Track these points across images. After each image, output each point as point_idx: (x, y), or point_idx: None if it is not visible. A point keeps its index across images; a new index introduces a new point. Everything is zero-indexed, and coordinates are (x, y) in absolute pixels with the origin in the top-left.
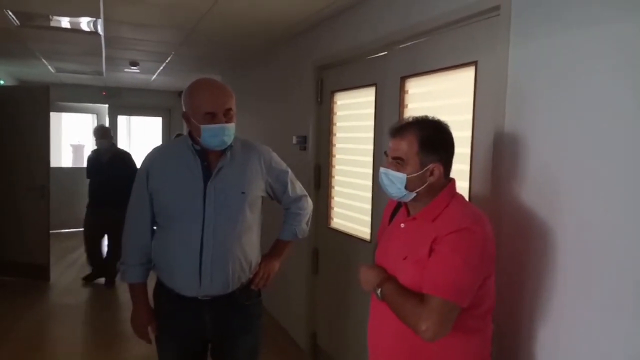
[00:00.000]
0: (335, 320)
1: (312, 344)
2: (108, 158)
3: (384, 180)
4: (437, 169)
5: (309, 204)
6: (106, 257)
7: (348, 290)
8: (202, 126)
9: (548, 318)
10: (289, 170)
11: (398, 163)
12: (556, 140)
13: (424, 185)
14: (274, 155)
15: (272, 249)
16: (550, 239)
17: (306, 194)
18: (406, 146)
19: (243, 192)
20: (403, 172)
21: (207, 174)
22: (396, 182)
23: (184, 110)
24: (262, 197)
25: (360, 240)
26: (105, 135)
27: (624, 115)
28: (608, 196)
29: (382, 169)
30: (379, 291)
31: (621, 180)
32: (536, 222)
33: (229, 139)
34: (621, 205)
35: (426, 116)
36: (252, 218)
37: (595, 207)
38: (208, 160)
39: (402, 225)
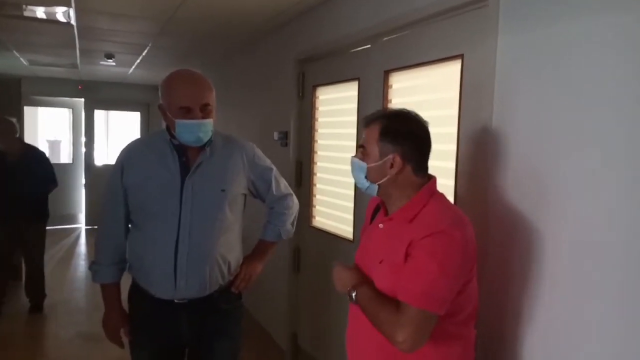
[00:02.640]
0: (316, 321)
1: (293, 344)
2: (16, 159)
3: (351, 167)
4: (397, 161)
5: (294, 203)
6: (25, 282)
7: (330, 290)
8: (177, 121)
9: (536, 321)
10: (274, 167)
11: (362, 152)
12: (547, 136)
13: (385, 178)
14: (258, 151)
15: (255, 250)
16: (539, 241)
17: (292, 192)
18: (369, 134)
19: (223, 190)
20: (365, 162)
21: (185, 170)
22: (358, 171)
23: (160, 102)
24: (245, 195)
25: (343, 239)
26: (6, 130)
27: (619, 110)
28: (600, 195)
29: (351, 157)
30: (353, 294)
31: (615, 179)
32: (524, 223)
33: (205, 136)
34: (615, 207)
35: (402, 109)
36: (233, 217)
37: (586, 207)
38: (187, 156)
39: (381, 225)
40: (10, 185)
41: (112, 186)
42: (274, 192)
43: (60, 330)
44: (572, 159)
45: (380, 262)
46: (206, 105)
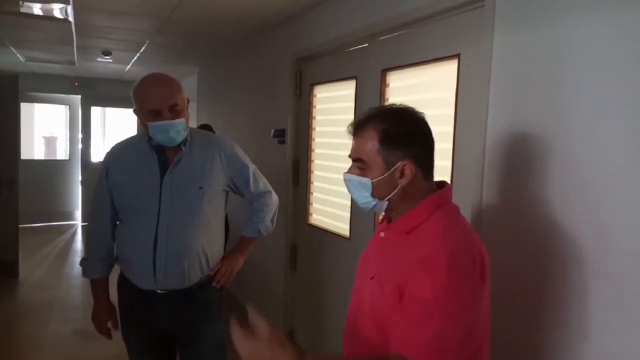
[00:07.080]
0: (313, 318)
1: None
2: None
3: (349, 187)
4: (408, 167)
5: (273, 200)
6: None
7: (327, 288)
8: (149, 123)
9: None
10: (252, 164)
11: (360, 166)
12: (542, 136)
13: (396, 190)
14: (237, 148)
15: (236, 246)
16: (537, 245)
17: (271, 190)
18: (366, 145)
19: (201, 187)
20: (367, 177)
21: (165, 169)
22: (361, 189)
23: (134, 107)
24: (226, 192)
25: (340, 236)
26: None
27: (613, 109)
28: (589, 195)
29: (345, 175)
30: None
31: (615, 174)
32: (520, 220)
33: (177, 135)
34: (615, 206)
35: (390, 105)
36: (212, 213)
37: (583, 209)
38: (166, 155)
39: (382, 234)
40: None
41: (99, 187)
42: (252, 190)
43: (56, 327)
44: (570, 159)
45: (372, 279)
46: (174, 105)
